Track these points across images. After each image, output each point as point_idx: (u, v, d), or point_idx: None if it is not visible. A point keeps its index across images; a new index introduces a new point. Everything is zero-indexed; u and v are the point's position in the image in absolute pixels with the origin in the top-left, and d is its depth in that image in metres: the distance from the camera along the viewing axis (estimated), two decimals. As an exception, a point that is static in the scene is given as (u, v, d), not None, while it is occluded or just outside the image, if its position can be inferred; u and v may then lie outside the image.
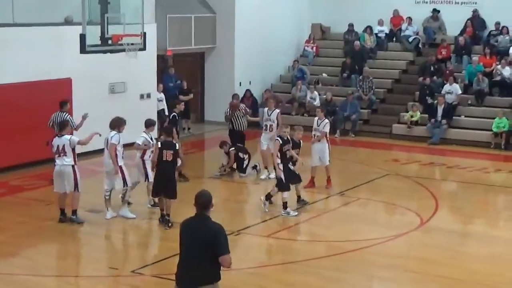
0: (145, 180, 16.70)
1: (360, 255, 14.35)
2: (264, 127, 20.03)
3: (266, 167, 19.94)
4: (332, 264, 13.79)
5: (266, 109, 20.40)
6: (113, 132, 15.92)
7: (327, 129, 19.00)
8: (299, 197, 17.35)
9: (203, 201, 8.92)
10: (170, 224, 15.51)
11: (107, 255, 14.84)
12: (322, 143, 18.94)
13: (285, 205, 16.66)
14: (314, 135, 19.10)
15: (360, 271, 13.62)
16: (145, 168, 16.55)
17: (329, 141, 19.10)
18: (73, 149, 15.62)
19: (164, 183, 15.54)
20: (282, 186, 16.66)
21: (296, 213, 16.65)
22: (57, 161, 15.75)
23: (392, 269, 13.84)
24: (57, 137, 15.84)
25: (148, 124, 16.97)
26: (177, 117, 19.55)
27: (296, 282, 13.04)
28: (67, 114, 18.20)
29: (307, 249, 14.89)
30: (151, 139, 16.69)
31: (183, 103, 20.87)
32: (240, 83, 28.78)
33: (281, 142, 16.64)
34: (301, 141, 17.38)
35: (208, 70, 29.19)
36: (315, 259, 14.01)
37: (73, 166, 15.66)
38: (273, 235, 15.57)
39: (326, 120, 19.20)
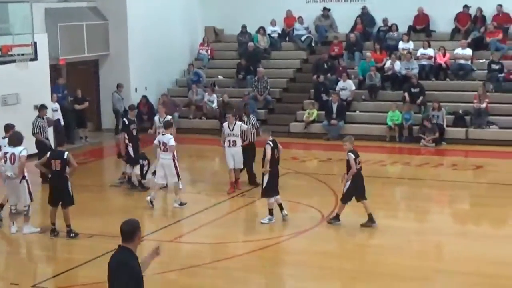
0: (178, 180, 17.76)
1: (265, 253, 14.44)
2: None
3: None
4: (238, 265, 13.84)
5: (157, 117, 20.18)
6: (21, 147, 15.65)
7: (245, 127, 19.06)
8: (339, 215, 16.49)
9: (127, 230, 7.99)
10: (72, 235, 15.35)
11: (8, 271, 14.52)
12: (238, 146, 18.85)
13: (270, 212, 16.32)
14: (230, 140, 18.84)
15: (266, 269, 13.71)
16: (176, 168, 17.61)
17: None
18: None
19: (58, 193, 15.40)
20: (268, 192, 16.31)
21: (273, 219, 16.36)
22: None
23: (296, 266, 13.98)
24: None
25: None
26: (126, 123, 19.42)
27: (204, 284, 13.04)
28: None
29: (212, 251, 14.90)
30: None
31: (135, 110, 20.47)
32: (136, 89, 28.58)
33: (272, 145, 16.20)
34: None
35: (103, 78, 28.87)
36: (221, 260, 14.04)
37: None
38: (177, 239, 15.53)
39: (239, 123, 19.01)
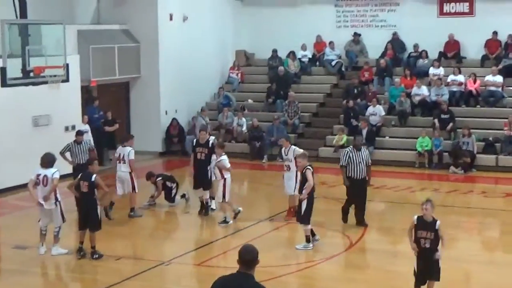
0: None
1: (293, 279, 14.40)
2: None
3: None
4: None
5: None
6: (54, 169, 15.70)
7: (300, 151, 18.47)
8: None
9: (249, 258, 7.66)
10: (96, 256, 15.40)
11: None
12: (292, 171, 18.31)
13: (307, 238, 16.22)
14: (284, 165, 18.51)
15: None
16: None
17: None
18: None
19: (85, 216, 15.46)
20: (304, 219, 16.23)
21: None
22: None
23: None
24: None
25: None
26: (193, 145, 19.40)
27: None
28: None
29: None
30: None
31: (205, 132, 19.99)
32: (166, 111, 28.70)
33: (312, 170, 16.18)
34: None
35: (133, 100, 29.03)
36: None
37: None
38: (204, 264, 15.52)
39: (293, 147, 18.65)
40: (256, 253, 7.71)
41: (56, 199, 15.70)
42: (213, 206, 19.42)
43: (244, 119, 28.26)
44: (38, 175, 15.73)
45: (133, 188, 18.64)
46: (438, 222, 12.25)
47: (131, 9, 28.12)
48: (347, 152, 18.00)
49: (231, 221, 18.09)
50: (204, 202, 19.21)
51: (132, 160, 18.11)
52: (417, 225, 12.31)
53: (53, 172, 15.64)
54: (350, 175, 17.82)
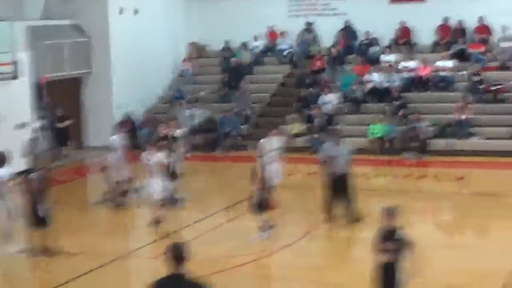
0: None
1: (248, 269, 14.41)
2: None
3: None
4: (220, 281, 13.75)
5: None
6: (5, 169, 15.52)
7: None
8: None
9: (176, 255, 7.62)
10: (49, 253, 15.29)
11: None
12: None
13: (262, 227, 16.17)
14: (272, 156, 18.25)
15: (249, 285, 13.67)
16: None
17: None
18: None
19: (36, 213, 15.31)
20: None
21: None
22: None
23: (279, 280, 13.95)
24: None
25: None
26: None
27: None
28: None
29: (194, 267, 14.82)
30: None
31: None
32: (119, 106, 28.52)
33: None
34: None
35: (86, 95, 28.82)
36: (204, 276, 13.96)
37: None
38: (160, 257, 15.44)
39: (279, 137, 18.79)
40: (183, 250, 7.65)
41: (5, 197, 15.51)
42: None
43: (198, 111, 28.16)
44: None
45: None
46: (401, 231, 10.72)
47: (80, 4, 27.90)
48: (326, 147, 17.45)
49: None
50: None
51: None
52: (382, 237, 10.76)
53: (4, 172, 15.47)
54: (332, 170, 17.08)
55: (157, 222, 16.87)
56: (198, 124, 27.77)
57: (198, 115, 28.02)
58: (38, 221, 15.30)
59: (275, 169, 18.10)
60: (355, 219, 16.94)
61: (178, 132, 19.62)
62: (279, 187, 17.76)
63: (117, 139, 19.68)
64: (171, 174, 18.99)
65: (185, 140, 19.35)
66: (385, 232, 10.69)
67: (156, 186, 16.95)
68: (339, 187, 17.02)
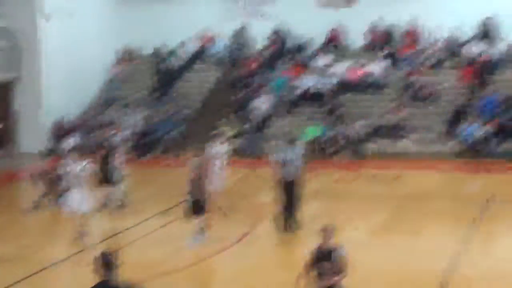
0: None
1: (183, 274, 14.36)
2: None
3: None
4: (155, 287, 13.70)
5: None
6: None
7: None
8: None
9: (107, 261, 7.64)
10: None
11: None
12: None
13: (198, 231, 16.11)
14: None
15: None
16: None
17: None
18: None
19: None
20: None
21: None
22: None
23: (215, 284, 13.93)
24: None
25: None
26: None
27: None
28: None
29: (128, 273, 14.67)
30: None
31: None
32: (51, 111, 28.16)
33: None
34: None
35: (16, 100, 28.37)
36: (138, 282, 13.85)
37: None
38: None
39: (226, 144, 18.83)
40: (113, 257, 7.69)
41: None
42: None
43: (133, 116, 27.89)
44: None
45: None
46: (340, 249, 10.20)
47: (9, 7, 27.48)
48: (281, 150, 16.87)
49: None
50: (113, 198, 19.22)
51: None
52: (316, 258, 10.07)
53: None
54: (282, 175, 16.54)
55: (81, 235, 16.55)
56: (131, 129, 27.59)
57: (132, 119, 27.81)
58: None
59: (219, 175, 18.09)
60: (296, 227, 16.71)
61: (120, 137, 19.45)
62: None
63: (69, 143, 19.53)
64: (108, 180, 18.88)
65: (126, 144, 19.19)
66: (321, 252, 10.01)
67: (77, 197, 16.16)
68: (287, 193, 16.53)
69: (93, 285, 7.65)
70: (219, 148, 18.42)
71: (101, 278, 7.61)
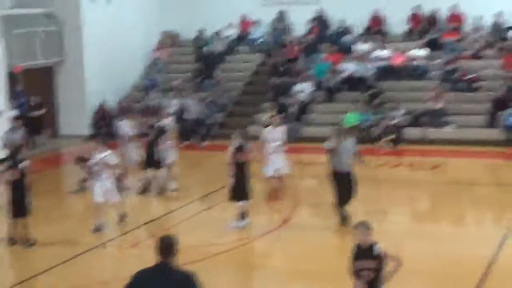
0: None
1: (226, 257, 14.42)
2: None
3: None
4: (200, 269, 13.76)
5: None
6: None
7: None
8: None
9: (165, 247, 7.59)
10: (29, 243, 15.20)
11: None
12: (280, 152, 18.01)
13: (240, 216, 16.17)
14: (274, 146, 17.93)
15: (228, 273, 13.69)
16: None
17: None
18: None
19: (17, 204, 15.21)
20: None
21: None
22: None
23: (258, 269, 13.99)
24: None
25: None
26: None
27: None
28: None
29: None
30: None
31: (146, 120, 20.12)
32: (93, 95, 28.39)
33: (236, 148, 16.04)
34: None
35: (59, 84, 28.65)
36: (184, 264, 13.97)
37: None
38: (138, 245, 15.44)
39: (283, 127, 18.29)
40: (174, 243, 7.62)
41: None
42: (174, 186, 19.51)
43: (174, 101, 27.99)
44: None
45: None
46: (377, 246, 9.85)
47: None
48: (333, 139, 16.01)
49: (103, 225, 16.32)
50: (160, 182, 19.38)
51: None
52: (355, 255, 9.91)
53: None
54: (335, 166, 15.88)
55: (121, 218, 16.72)
56: (175, 113, 27.66)
57: (174, 104, 27.88)
58: (19, 210, 15.22)
59: (277, 160, 17.95)
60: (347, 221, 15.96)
61: (165, 121, 19.58)
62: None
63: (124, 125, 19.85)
64: (154, 164, 19.05)
65: (174, 129, 19.45)
66: (362, 250, 9.81)
67: (104, 186, 16.16)
68: (340, 184, 15.89)
69: (152, 265, 7.63)
70: (274, 132, 18.09)
71: (158, 260, 7.58)
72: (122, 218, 16.69)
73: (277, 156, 17.89)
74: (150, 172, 19.46)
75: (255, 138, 25.43)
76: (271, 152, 17.83)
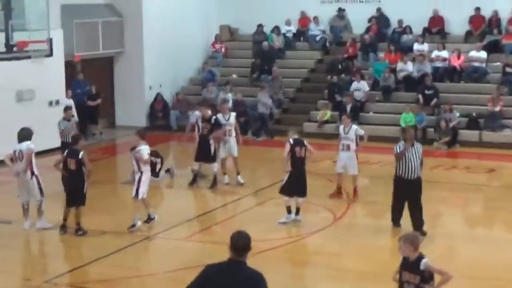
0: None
1: (277, 253, 14.45)
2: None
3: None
4: (250, 265, 13.83)
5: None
6: (27, 142, 15.65)
7: (361, 133, 18.17)
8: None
9: (241, 246, 7.50)
10: (81, 232, 15.39)
11: (20, 267, 14.58)
12: (351, 151, 18.15)
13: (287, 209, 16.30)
14: (344, 144, 18.12)
15: (278, 269, 13.71)
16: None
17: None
18: None
19: (73, 193, 15.41)
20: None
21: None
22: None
23: (308, 266, 13.99)
24: None
25: None
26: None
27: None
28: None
29: (223, 251, 14.88)
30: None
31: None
32: (150, 86, 28.65)
33: (292, 143, 16.19)
34: None
35: (117, 75, 28.94)
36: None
37: None
38: (189, 238, 15.56)
39: (355, 126, 18.46)
40: (249, 240, 7.54)
41: (32, 172, 15.66)
42: (226, 180, 19.65)
43: (230, 95, 28.07)
44: (15, 151, 15.74)
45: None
46: (424, 261, 9.29)
47: (114, -17, 28.01)
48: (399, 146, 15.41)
49: (139, 223, 15.81)
50: (212, 176, 19.43)
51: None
52: (401, 265, 9.54)
53: (26, 145, 15.60)
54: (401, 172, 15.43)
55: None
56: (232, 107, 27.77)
57: (231, 98, 27.93)
58: (74, 199, 15.42)
59: (345, 157, 18.13)
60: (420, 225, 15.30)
61: (219, 115, 19.71)
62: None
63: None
64: (207, 158, 19.15)
65: (231, 124, 19.60)
66: (408, 262, 9.37)
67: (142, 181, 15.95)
68: (407, 193, 15.45)
69: (224, 260, 7.63)
70: (348, 131, 18.14)
71: (230, 257, 7.56)
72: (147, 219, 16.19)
73: (345, 155, 18.16)
74: (201, 165, 19.55)
75: (311, 135, 25.60)
76: (341, 150, 18.16)
